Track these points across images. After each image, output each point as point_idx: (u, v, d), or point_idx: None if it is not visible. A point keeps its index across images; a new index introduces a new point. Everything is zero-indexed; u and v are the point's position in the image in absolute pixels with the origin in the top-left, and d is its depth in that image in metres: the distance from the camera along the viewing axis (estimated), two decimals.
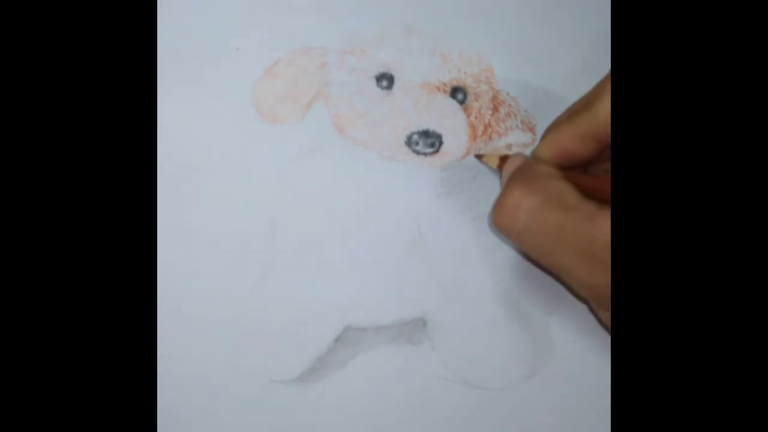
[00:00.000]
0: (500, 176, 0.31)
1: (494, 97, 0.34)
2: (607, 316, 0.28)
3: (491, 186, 0.33)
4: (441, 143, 0.33)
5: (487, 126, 0.33)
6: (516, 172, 0.29)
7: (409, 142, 0.33)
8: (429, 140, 0.33)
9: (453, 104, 0.33)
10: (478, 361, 0.31)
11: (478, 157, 0.33)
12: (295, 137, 0.33)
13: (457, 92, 0.33)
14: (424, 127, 0.33)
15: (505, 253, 0.32)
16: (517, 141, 0.33)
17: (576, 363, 0.31)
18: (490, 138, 0.33)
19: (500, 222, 0.28)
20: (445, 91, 0.33)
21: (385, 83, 0.33)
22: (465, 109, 0.33)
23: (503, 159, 0.31)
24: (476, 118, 0.33)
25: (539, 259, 0.29)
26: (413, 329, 0.31)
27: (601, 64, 0.34)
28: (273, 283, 0.31)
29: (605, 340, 0.31)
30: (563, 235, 0.27)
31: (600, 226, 0.26)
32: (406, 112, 0.33)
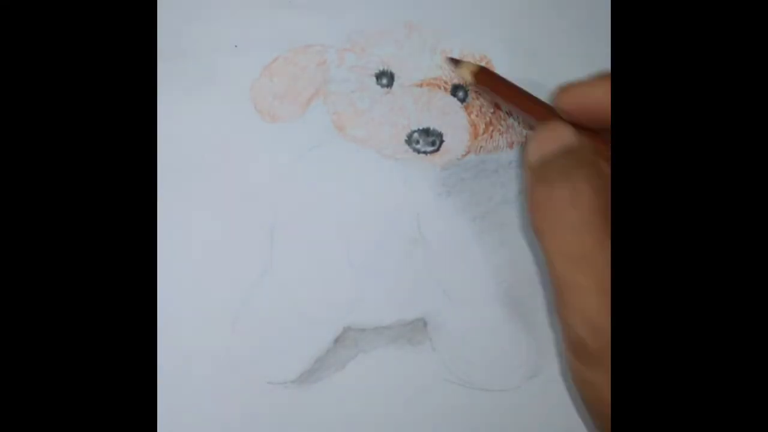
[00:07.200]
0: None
1: None
2: (564, 313, 0.25)
3: (492, 185, 0.33)
4: (442, 141, 0.32)
5: (489, 124, 0.33)
6: (567, 158, 0.26)
7: (410, 140, 0.32)
8: (429, 138, 0.32)
9: (454, 102, 0.33)
10: (480, 362, 0.31)
11: (454, 61, 0.32)
12: (294, 136, 0.33)
13: (458, 90, 0.33)
14: (424, 125, 0.32)
15: (506, 253, 0.32)
16: (519, 139, 0.33)
17: None
18: (491, 136, 0.33)
19: (534, 219, 0.26)
20: (445, 89, 0.33)
21: (384, 81, 0.33)
22: (466, 107, 0.33)
23: (478, 74, 0.31)
24: (477, 116, 0.33)
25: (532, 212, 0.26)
26: (413, 330, 0.31)
27: (602, 61, 0.34)
28: (271, 284, 0.31)
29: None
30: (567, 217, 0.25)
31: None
32: (407, 110, 0.33)
